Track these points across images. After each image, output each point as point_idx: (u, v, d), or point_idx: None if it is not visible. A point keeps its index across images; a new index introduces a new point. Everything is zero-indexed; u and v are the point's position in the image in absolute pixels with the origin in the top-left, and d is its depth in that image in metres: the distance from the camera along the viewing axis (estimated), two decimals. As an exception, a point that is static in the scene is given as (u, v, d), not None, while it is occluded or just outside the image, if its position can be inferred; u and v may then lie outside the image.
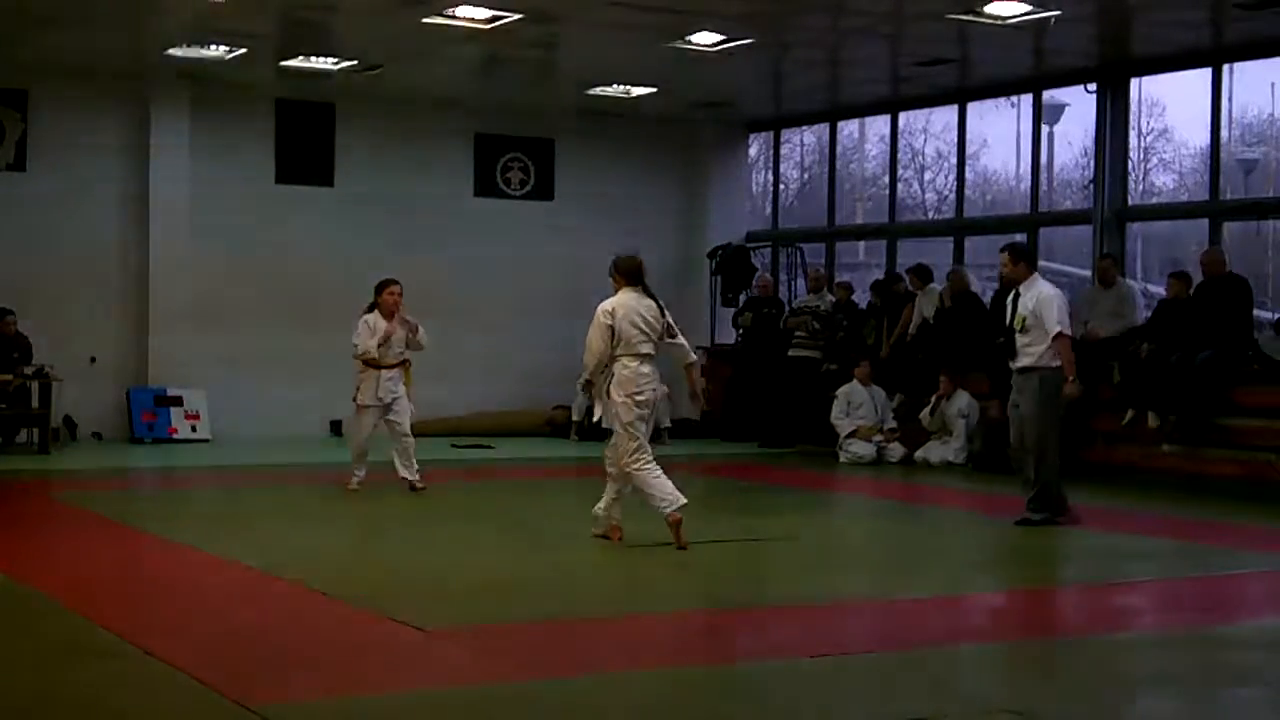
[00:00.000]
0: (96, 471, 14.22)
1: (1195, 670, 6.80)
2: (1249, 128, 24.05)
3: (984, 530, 11.34)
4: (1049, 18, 13.18)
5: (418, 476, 12.23)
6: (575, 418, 17.34)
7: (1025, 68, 16.08)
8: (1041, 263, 13.97)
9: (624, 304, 9.54)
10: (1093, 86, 15.93)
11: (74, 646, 6.78)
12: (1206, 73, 14.96)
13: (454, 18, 13.50)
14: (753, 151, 22.44)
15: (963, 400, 15.15)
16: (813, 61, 16.14)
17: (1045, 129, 18.70)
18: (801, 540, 10.49)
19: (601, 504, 9.75)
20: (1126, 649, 7.25)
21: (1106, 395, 14.08)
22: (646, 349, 9.51)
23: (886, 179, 21.68)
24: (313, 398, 17.35)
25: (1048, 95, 17.49)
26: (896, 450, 15.66)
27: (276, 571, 8.63)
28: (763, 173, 24.90)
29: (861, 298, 18.11)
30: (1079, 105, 18.32)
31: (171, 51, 15.44)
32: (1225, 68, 14.92)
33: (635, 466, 9.45)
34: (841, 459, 15.68)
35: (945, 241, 19.08)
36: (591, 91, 17.51)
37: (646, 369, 9.52)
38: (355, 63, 15.80)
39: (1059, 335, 10.52)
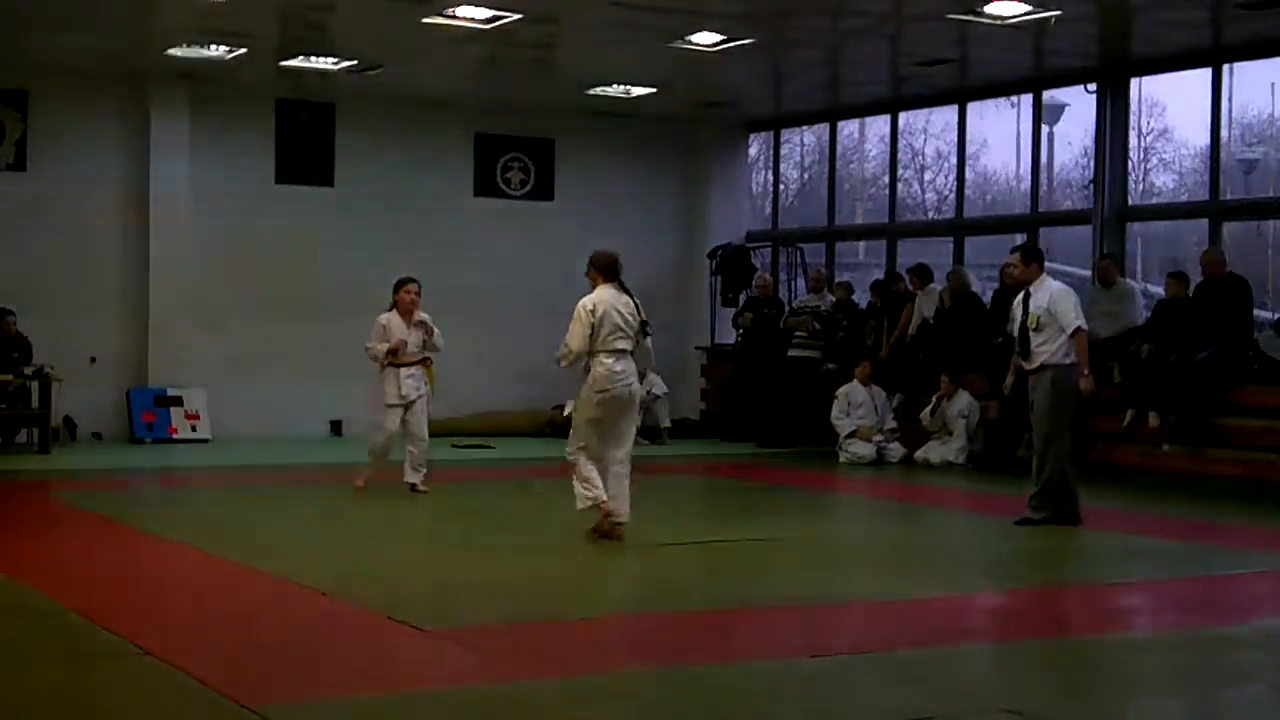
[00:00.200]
0: (96, 471, 14.21)
1: (1195, 670, 6.80)
2: (1249, 128, 24.05)
3: (984, 530, 11.34)
4: (1049, 18, 13.17)
5: (421, 478, 12.18)
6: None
7: (1025, 68, 16.08)
8: (1042, 263, 13.96)
9: (604, 300, 9.63)
10: (1093, 86, 15.93)
11: (74, 646, 6.78)
12: (1206, 73, 14.95)
13: (454, 18, 13.50)
14: (753, 151, 22.44)
15: (963, 400, 15.14)
16: (813, 61, 16.14)
17: (1045, 129, 18.70)
18: (801, 540, 10.49)
19: (600, 492, 9.70)
20: (1126, 649, 7.25)
21: (1107, 395, 14.07)
22: (623, 345, 9.61)
23: (886, 179, 21.69)
24: (313, 398, 17.37)
25: (1048, 95, 17.49)
26: (896, 450, 15.66)
27: (276, 571, 8.63)
28: (763, 173, 24.90)
29: (861, 298, 18.09)
30: (1079, 105, 18.34)
31: (171, 51, 15.44)
32: (1225, 68, 14.91)
33: (574, 458, 9.64)
34: (841, 459, 15.67)
35: (945, 241, 19.07)
36: (591, 91, 17.50)
37: (620, 366, 9.61)
38: (355, 63, 15.80)
39: (1077, 330, 10.56)
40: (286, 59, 15.75)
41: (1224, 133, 15.78)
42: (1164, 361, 13.68)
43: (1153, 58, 15.43)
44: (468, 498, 12.85)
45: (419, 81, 17.05)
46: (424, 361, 12.22)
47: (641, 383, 10.38)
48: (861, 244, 24.44)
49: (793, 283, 19.70)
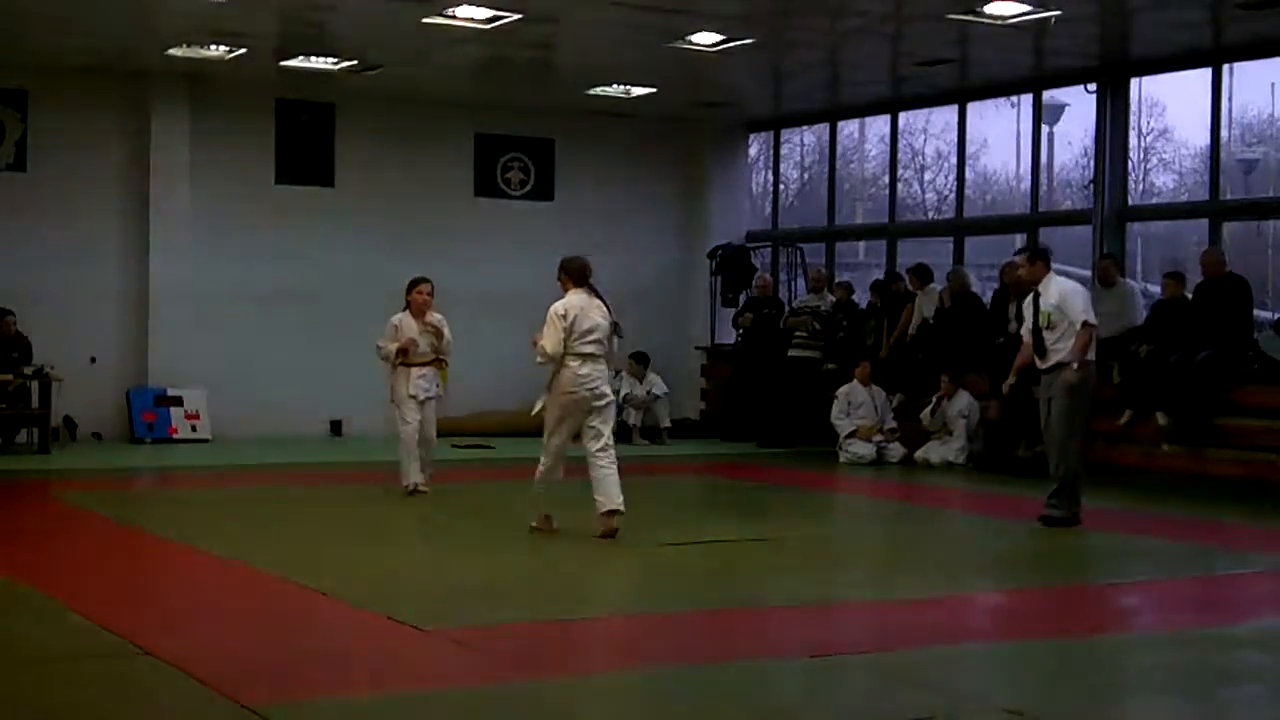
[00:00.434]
0: (96, 471, 14.21)
1: (1195, 670, 6.79)
2: (1249, 128, 24.04)
3: (984, 530, 11.34)
4: (1049, 18, 13.17)
5: (423, 479, 12.14)
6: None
7: (1025, 68, 16.08)
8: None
9: (575, 305, 9.91)
10: (1093, 86, 15.93)
11: (74, 646, 6.78)
12: (1206, 73, 14.96)
13: (454, 18, 13.50)
14: (753, 151, 22.43)
15: (963, 400, 15.15)
16: (813, 61, 16.13)
17: (1045, 129, 18.68)
18: (801, 540, 10.49)
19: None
20: (1127, 649, 7.25)
21: (1106, 395, 14.07)
22: (591, 349, 9.81)
23: (886, 179, 21.69)
24: (313, 397, 17.38)
25: (1048, 95, 17.48)
26: (896, 450, 15.66)
27: (276, 571, 8.63)
28: (763, 173, 24.89)
29: (861, 298, 18.10)
30: (1079, 105, 18.33)
31: (171, 51, 15.44)
32: (1225, 68, 14.92)
33: (538, 474, 10.00)
34: (841, 459, 15.67)
35: (945, 241, 19.07)
36: (591, 91, 17.50)
37: (585, 370, 9.82)
38: (355, 63, 15.80)
39: (1085, 324, 10.55)
40: (286, 59, 15.76)
41: (1224, 133, 15.79)
42: (1163, 362, 13.68)
43: (1153, 58, 15.44)
44: (468, 498, 12.84)
45: (419, 81, 17.04)
46: (436, 362, 12.20)
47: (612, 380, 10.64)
48: (861, 244, 24.44)
49: (793, 283, 19.71)
